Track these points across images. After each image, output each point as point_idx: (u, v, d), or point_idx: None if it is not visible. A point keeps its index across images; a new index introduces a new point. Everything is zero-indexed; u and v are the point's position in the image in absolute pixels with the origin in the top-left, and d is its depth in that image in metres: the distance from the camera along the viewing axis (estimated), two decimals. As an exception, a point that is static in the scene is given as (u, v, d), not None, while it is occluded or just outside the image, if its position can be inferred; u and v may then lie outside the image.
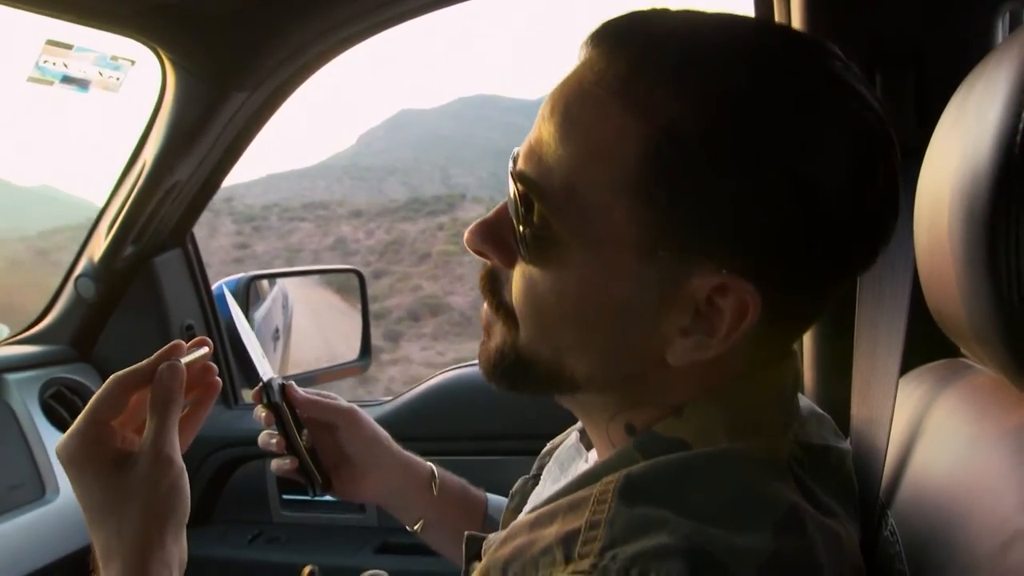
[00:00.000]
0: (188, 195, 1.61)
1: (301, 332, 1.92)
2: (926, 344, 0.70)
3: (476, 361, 0.64)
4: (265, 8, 1.25)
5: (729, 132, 0.49)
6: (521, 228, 0.55)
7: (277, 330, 1.85)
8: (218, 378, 0.76)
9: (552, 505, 0.54)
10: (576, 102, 0.53)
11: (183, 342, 0.72)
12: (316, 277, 2.09)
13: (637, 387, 0.57)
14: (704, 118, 0.49)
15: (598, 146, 0.52)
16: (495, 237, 0.59)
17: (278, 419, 0.88)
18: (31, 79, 1.29)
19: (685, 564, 0.44)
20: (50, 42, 1.26)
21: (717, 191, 0.49)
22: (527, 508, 0.74)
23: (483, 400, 1.48)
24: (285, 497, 1.69)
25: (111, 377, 0.68)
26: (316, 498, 1.51)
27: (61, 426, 1.53)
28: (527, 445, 0.93)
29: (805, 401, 0.65)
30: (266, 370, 0.89)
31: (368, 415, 0.92)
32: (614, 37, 0.53)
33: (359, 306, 1.81)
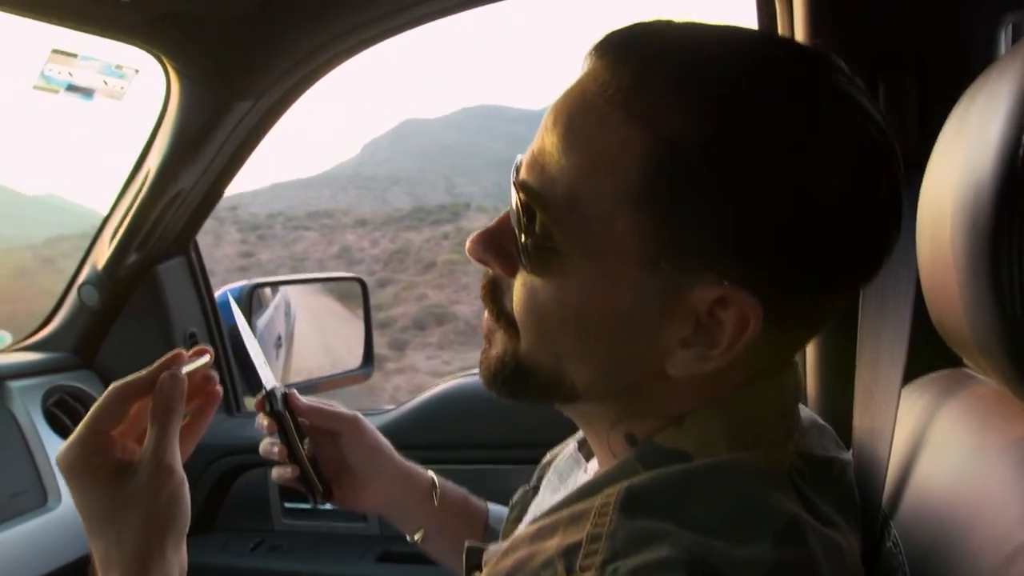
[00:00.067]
0: (192, 203, 1.62)
1: (304, 340, 1.92)
2: (928, 354, 0.70)
3: (477, 370, 0.64)
4: (269, 17, 1.25)
5: (731, 145, 0.49)
6: (523, 238, 0.55)
7: (280, 338, 1.85)
8: (219, 387, 0.76)
9: (553, 517, 0.54)
10: (579, 113, 0.53)
11: (184, 351, 0.72)
12: (319, 285, 2.10)
13: (637, 397, 0.57)
14: (706, 130, 0.49)
15: (601, 157, 0.52)
16: (497, 246, 0.59)
17: (280, 428, 0.88)
18: (37, 87, 1.30)
19: None
20: (55, 51, 1.27)
21: (719, 203, 0.49)
22: (527, 519, 0.74)
23: (484, 409, 1.47)
24: (287, 505, 1.68)
25: (111, 387, 0.68)
26: (317, 507, 1.51)
27: (63, 433, 1.52)
28: (528, 454, 0.93)
29: (806, 411, 0.65)
30: (269, 379, 0.89)
31: (370, 423, 0.92)
32: (618, 49, 0.53)
33: (361, 314, 1.81)
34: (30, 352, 1.69)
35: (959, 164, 0.51)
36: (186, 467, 0.69)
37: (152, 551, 0.63)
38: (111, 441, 0.67)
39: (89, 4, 1.16)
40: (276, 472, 0.89)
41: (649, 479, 0.52)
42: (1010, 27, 0.96)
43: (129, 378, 0.68)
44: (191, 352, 0.73)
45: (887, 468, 0.65)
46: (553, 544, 0.50)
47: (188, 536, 0.67)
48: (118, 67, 1.34)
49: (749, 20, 1.15)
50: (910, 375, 0.72)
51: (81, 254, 1.68)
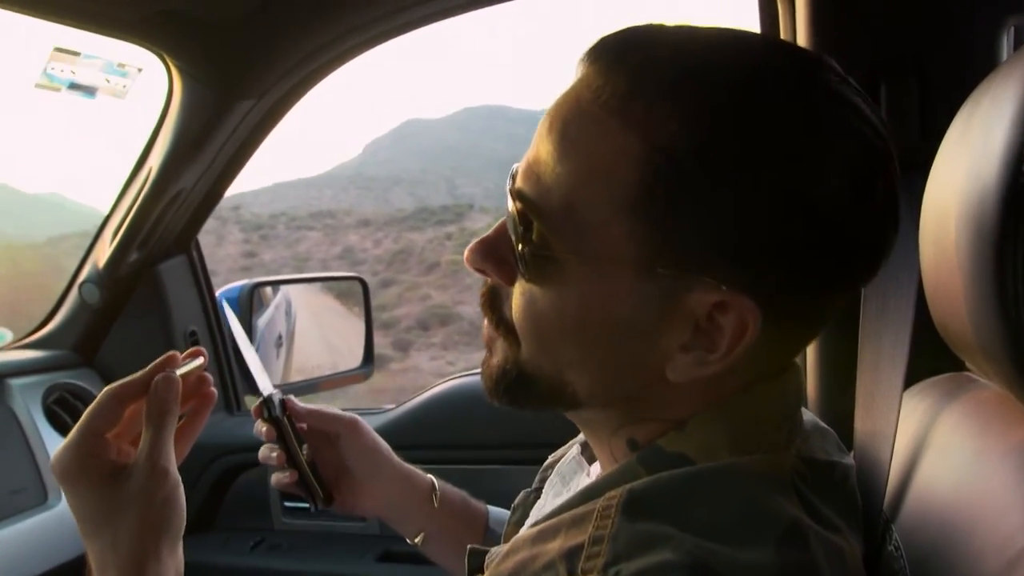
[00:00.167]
0: (193, 202, 1.62)
1: (304, 339, 1.92)
2: (930, 357, 0.70)
3: (479, 371, 0.64)
4: (272, 17, 1.25)
5: (727, 149, 0.48)
6: (520, 247, 0.55)
7: (280, 337, 1.85)
8: (214, 389, 0.75)
9: (555, 520, 0.54)
10: (574, 120, 0.53)
11: (178, 353, 0.72)
12: (320, 284, 2.09)
13: (639, 403, 0.57)
14: (702, 135, 0.49)
15: (596, 165, 0.51)
16: (495, 255, 0.59)
17: (279, 434, 0.88)
18: (39, 86, 1.30)
19: None
20: (58, 49, 1.27)
21: (715, 208, 0.49)
22: (529, 522, 0.74)
23: (484, 409, 1.44)
24: (287, 504, 1.68)
25: (105, 389, 0.68)
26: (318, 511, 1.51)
27: (64, 431, 1.52)
28: (528, 454, 0.92)
29: (808, 415, 0.65)
30: (266, 385, 0.89)
31: (369, 425, 0.92)
32: (611, 54, 0.53)
33: (362, 313, 1.81)
34: (31, 350, 1.70)
35: (963, 168, 0.51)
36: (186, 466, 0.69)
37: (147, 554, 0.63)
38: (106, 444, 0.67)
39: (91, 2, 1.16)
40: (275, 478, 0.89)
41: (651, 482, 0.52)
42: (1012, 30, 0.96)
43: (123, 380, 0.68)
44: (186, 354, 0.73)
45: (889, 472, 0.65)
46: (555, 546, 0.50)
47: (187, 535, 0.67)
48: (120, 65, 1.34)
49: (752, 22, 1.15)
50: (912, 378, 0.71)
51: (83, 253, 1.68)
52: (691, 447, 0.54)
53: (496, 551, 0.60)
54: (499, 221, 0.60)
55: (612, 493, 0.52)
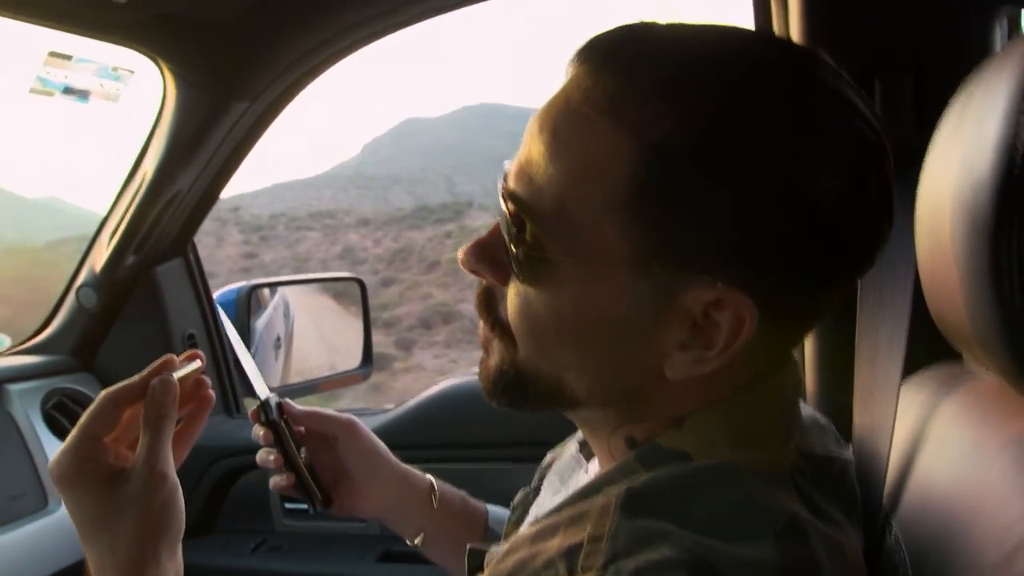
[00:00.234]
0: (189, 205, 1.61)
1: (303, 340, 1.92)
2: (927, 350, 0.70)
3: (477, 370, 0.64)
4: (265, 18, 1.25)
5: (719, 147, 0.48)
6: (514, 248, 0.54)
7: (279, 339, 1.85)
8: (211, 392, 0.75)
9: (554, 518, 0.54)
10: (564, 121, 0.53)
11: (175, 356, 0.71)
12: (318, 285, 2.09)
13: (638, 401, 0.57)
14: (694, 134, 0.48)
15: (587, 165, 0.51)
16: (490, 257, 0.59)
17: (276, 437, 0.87)
18: (33, 90, 1.30)
19: None
20: (51, 54, 1.27)
21: (709, 206, 0.49)
22: (528, 520, 0.74)
23: (482, 409, 1.45)
24: (287, 506, 1.68)
25: (102, 393, 0.67)
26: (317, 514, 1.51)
27: (63, 436, 1.51)
28: (527, 453, 0.92)
29: (807, 409, 0.65)
30: (262, 389, 0.89)
31: (367, 427, 0.92)
32: (601, 53, 0.53)
33: (360, 313, 1.81)
34: (29, 355, 1.69)
35: (957, 159, 0.51)
36: (185, 469, 0.68)
37: (146, 558, 0.63)
38: (104, 448, 0.67)
39: (83, 6, 1.16)
40: (273, 481, 0.89)
41: (650, 479, 0.52)
42: (1006, 20, 0.95)
43: (121, 384, 0.68)
44: (183, 357, 0.73)
45: (887, 464, 0.65)
46: (554, 544, 0.50)
47: (188, 538, 0.67)
48: (114, 69, 1.34)
49: (745, 19, 1.15)
50: (909, 370, 0.71)
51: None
52: (689, 444, 0.54)
53: (496, 550, 0.60)
54: (493, 222, 0.59)
55: (611, 491, 0.52)
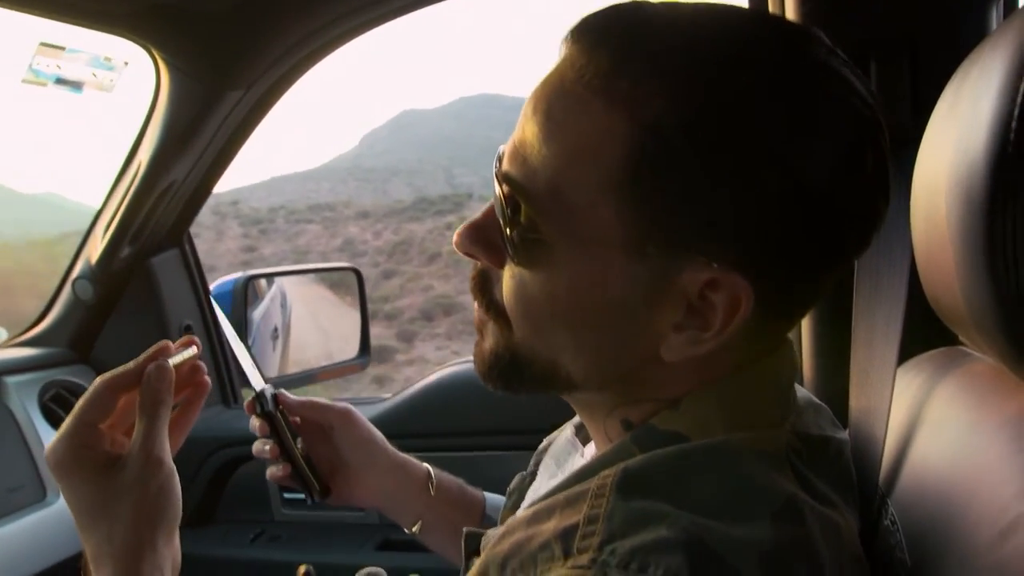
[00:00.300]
0: (184, 195, 1.61)
1: (301, 330, 1.92)
2: (924, 332, 0.70)
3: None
4: (258, 7, 1.25)
5: (713, 126, 0.48)
6: (508, 230, 0.54)
7: (276, 329, 1.85)
8: (207, 377, 0.75)
9: (549, 500, 0.54)
10: (558, 101, 0.52)
11: (171, 343, 0.71)
12: (314, 275, 2.09)
13: (634, 384, 0.56)
14: (688, 113, 0.48)
15: (581, 146, 0.51)
16: (484, 239, 0.59)
17: (272, 428, 0.87)
18: (25, 81, 1.29)
19: (684, 557, 0.44)
20: (43, 44, 1.26)
21: (703, 186, 0.48)
22: (524, 504, 0.74)
23: (479, 396, 1.46)
24: (286, 496, 1.69)
25: (98, 379, 0.67)
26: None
27: (60, 428, 1.52)
28: (524, 440, 0.92)
29: (803, 391, 0.65)
30: (258, 380, 0.89)
31: (363, 416, 0.92)
32: (594, 32, 0.52)
33: (357, 303, 1.81)
34: (26, 348, 1.69)
35: (952, 140, 0.50)
36: (184, 459, 0.68)
37: (143, 544, 0.63)
38: (100, 434, 0.67)
39: (77, -5, 1.15)
40: (270, 472, 0.89)
41: (645, 460, 0.52)
42: (1001, 2, 0.95)
43: (116, 370, 0.68)
44: (178, 343, 0.72)
45: (884, 447, 0.65)
46: (550, 526, 0.50)
47: (188, 528, 0.67)
48: (107, 59, 1.33)
49: (741, 1, 1.14)
50: (905, 353, 0.71)
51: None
52: (684, 425, 0.54)
53: (492, 533, 0.60)
54: (488, 204, 0.59)
55: (606, 472, 0.52)
